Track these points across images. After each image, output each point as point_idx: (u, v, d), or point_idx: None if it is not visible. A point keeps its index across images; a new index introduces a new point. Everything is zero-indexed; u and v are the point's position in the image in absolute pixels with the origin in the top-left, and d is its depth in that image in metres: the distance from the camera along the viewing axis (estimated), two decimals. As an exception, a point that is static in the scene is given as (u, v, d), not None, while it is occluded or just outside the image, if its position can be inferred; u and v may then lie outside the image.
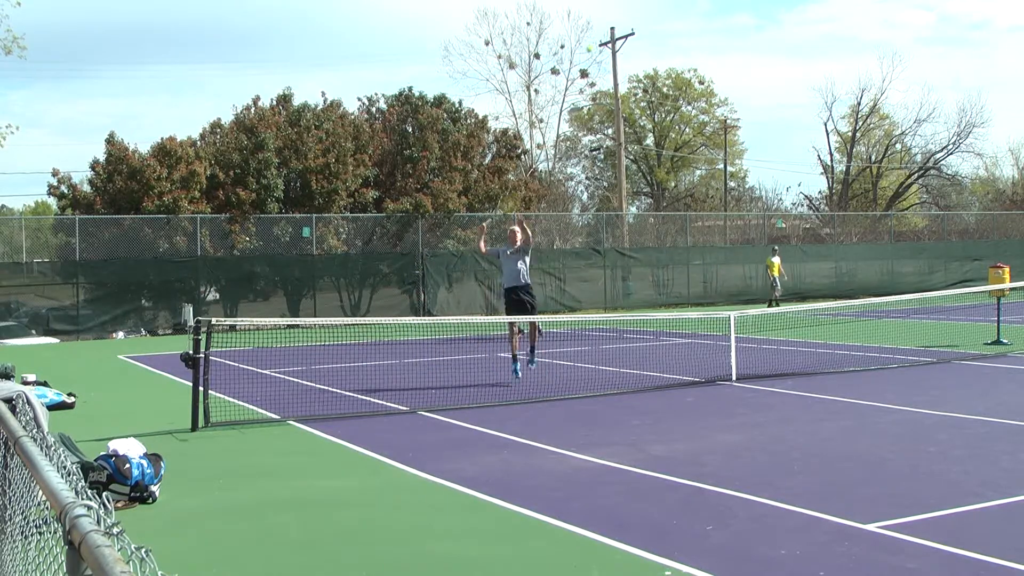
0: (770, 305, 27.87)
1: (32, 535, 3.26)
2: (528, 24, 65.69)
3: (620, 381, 13.52)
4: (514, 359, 13.07)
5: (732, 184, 61.29)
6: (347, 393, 12.76)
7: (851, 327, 21.27)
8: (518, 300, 13.10)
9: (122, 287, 25.53)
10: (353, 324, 21.27)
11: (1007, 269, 16.81)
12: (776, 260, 29.91)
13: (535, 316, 13.17)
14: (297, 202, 28.63)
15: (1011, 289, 16.98)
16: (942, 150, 60.36)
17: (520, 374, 12.99)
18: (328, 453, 9.14)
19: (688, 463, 8.13)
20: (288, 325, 24.10)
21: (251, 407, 11.48)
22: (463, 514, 6.89)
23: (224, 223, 26.71)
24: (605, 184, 61.10)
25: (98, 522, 2.09)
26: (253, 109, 29.77)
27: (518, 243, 13.07)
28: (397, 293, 28.79)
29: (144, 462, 7.32)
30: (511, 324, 13.12)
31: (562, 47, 66.41)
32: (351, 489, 7.72)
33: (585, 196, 63.01)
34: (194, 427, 10.19)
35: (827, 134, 62.86)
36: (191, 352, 10.32)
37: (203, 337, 10.46)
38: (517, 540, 6.25)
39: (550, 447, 8.93)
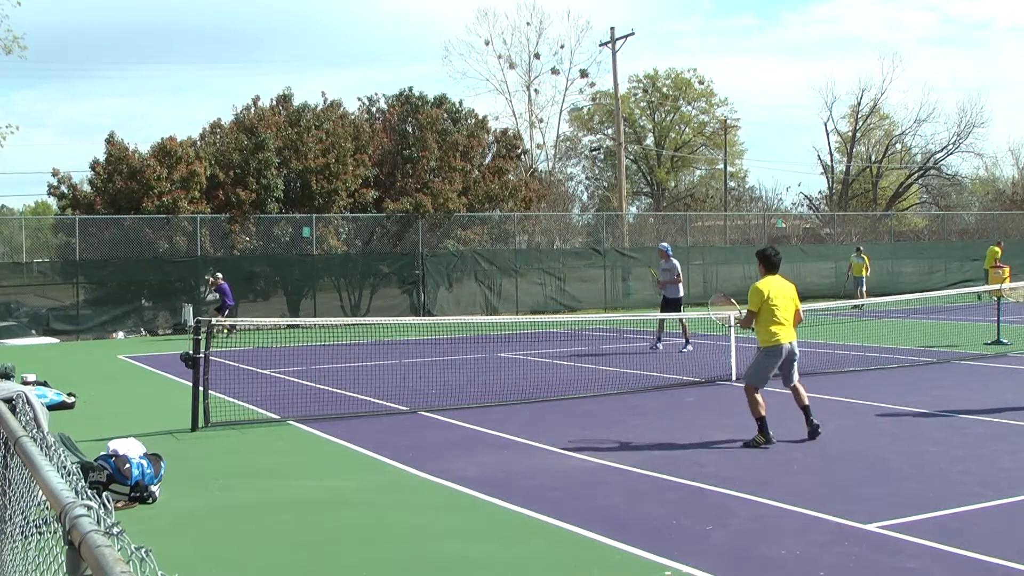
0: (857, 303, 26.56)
1: (32, 535, 3.26)
2: (528, 24, 65.76)
3: (620, 381, 13.52)
4: (659, 339, 17.58)
5: (732, 184, 61.31)
6: (347, 393, 12.76)
7: (851, 327, 21.27)
8: (664, 303, 17.59)
9: (122, 287, 25.53)
10: (353, 324, 21.27)
11: (1007, 269, 16.80)
12: (859, 261, 27.78)
13: (678, 314, 17.22)
14: (297, 202, 28.64)
15: (1011, 289, 16.96)
16: (942, 150, 60.39)
17: (659, 348, 17.27)
18: (328, 453, 9.13)
19: (688, 463, 8.14)
20: (288, 325, 24.10)
21: (251, 407, 11.48)
22: (463, 514, 6.90)
23: (224, 223, 26.72)
24: (605, 184, 61.13)
25: (98, 522, 2.09)
26: (253, 109, 29.79)
27: (670, 261, 17.52)
28: (397, 293, 28.79)
29: (144, 462, 7.32)
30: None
31: (562, 47, 66.66)
32: (351, 489, 7.72)
33: (585, 196, 63.08)
34: (194, 427, 10.19)
35: (827, 134, 62.90)
36: (191, 352, 10.32)
37: (203, 337, 10.46)
38: (517, 540, 6.25)
39: (550, 447, 8.94)
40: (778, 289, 8.92)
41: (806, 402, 8.97)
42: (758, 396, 8.83)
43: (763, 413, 8.76)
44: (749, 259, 34.57)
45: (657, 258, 18.60)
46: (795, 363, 8.99)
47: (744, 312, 9.28)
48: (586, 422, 10.27)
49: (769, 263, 9.09)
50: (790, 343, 8.85)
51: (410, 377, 14.29)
